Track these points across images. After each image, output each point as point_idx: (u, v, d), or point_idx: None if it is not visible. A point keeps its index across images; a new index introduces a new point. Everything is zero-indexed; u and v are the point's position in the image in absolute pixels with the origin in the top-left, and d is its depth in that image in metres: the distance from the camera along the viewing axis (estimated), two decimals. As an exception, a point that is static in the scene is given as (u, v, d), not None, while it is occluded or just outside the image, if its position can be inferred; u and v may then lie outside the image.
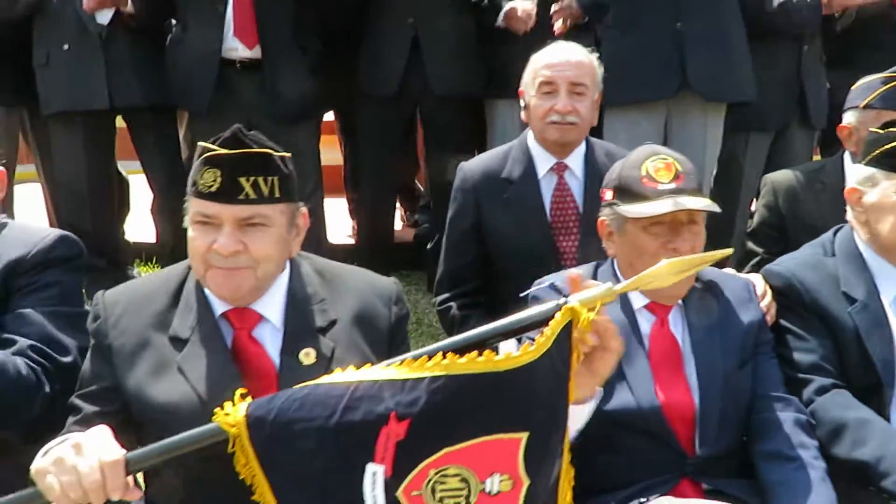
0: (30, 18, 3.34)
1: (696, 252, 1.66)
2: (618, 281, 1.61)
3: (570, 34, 3.09)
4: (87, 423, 1.40)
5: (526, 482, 1.22)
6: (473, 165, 2.38)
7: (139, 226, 3.97)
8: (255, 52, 3.26)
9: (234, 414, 1.21)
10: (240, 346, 1.49)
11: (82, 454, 1.20)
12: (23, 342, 1.56)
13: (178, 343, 1.48)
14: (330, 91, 3.56)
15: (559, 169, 2.30)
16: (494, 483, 1.21)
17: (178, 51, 3.32)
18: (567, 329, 1.24)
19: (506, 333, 1.29)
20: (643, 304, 1.73)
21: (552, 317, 1.25)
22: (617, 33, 3.18)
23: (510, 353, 1.20)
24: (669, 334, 1.72)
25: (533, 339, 1.26)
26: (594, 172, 2.23)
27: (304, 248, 1.61)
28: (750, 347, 1.75)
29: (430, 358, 1.20)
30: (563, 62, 2.26)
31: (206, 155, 1.42)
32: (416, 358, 1.21)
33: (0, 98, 3.44)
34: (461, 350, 1.22)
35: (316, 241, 3.09)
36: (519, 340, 1.38)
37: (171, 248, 3.50)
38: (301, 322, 1.51)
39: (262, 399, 1.23)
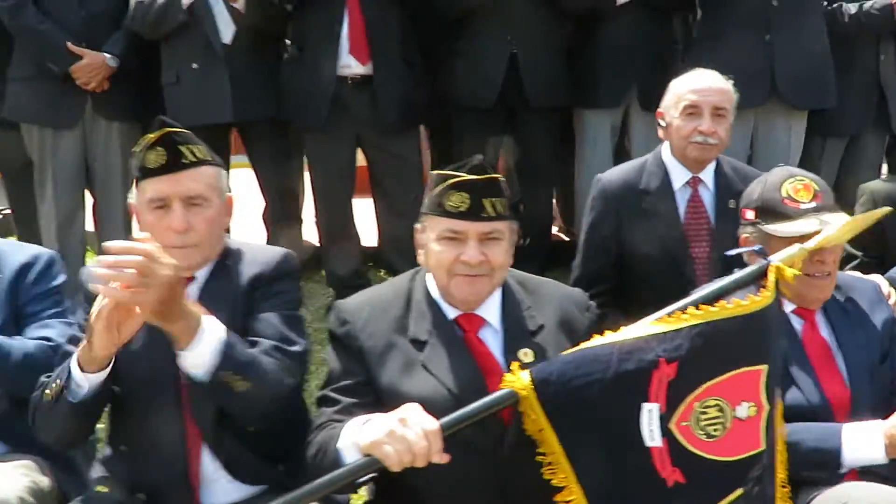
0: (154, 41, 3.60)
1: (836, 262, 1.94)
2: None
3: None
4: (348, 412, 1.64)
5: (766, 407, 1.50)
6: (612, 177, 2.61)
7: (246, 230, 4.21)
8: (367, 69, 3.51)
9: (519, 380, 1.47)
10: (470, 346, 1.73)
11: (408, 426, 1.43)
12: (265, 342, 1.78)
13: (419, 344, 1.72)
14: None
15: (694, 183, 2.54)
16: (743, 409, 1.48)
17: (295, 69, 3.57)
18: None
19: (727, 291, 1.56)
20: (791, 308, 1.96)
21: (762, 275, 1.54)
22: (710, 43, 3.41)
23: (753, 297, 1.49)
24: (819, 335, 1.96)
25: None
26: (724, 186, 2.52)
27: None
28: (887, 342, 1.99)
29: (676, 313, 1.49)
30: (708, 88, 2.51)
31: (453, 180, 1.67)
32: (669, 314, 1.50)
33: (122, 114, 3.68)
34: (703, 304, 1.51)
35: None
36: None
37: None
38: (516, 326, 1.76)
39: (542, 364, 1.52)
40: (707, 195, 2.54)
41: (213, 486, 1.82)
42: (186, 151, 1.79)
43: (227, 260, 1.89)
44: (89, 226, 3.90)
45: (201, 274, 1.85)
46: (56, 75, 3.48)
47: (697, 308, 1.49)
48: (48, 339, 2.01)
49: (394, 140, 3.59)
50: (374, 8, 3.45)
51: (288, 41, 3.65)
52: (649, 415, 1.45)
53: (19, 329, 2.05)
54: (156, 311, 1.52)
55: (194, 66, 3.49)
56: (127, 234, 3.84)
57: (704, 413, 1.47)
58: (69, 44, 3.44)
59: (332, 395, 1.71)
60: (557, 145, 3.87)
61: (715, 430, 1.47)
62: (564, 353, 1.54)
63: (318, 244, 3.98)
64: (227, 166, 3.73)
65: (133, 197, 1.86)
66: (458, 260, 1.68)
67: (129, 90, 3.65)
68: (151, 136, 1.79)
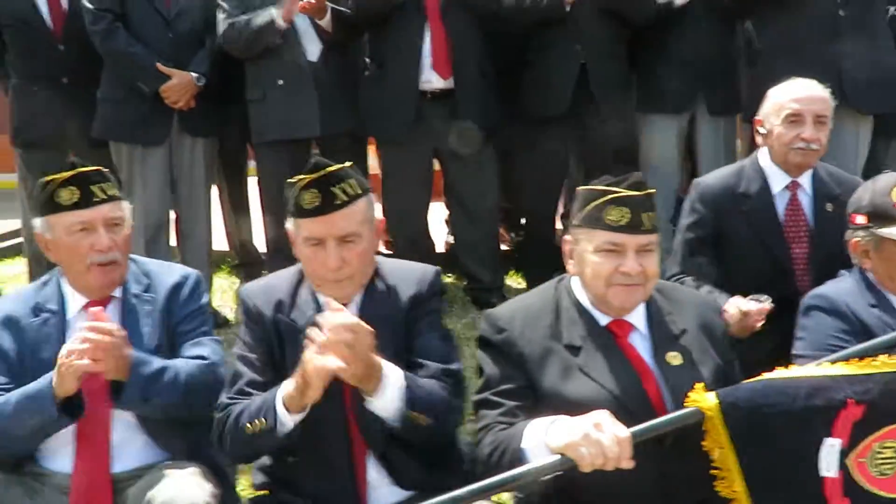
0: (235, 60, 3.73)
1: None
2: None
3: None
4: (513, 415, 1.76)
5: None
6: (711, 181, 2.73)
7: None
8: (447, 83, 3.63)
9: (705, 400, 1.59)
10: (624, 350, 1.85)
11: (602, 430, 1.54)
12: (432, 367, 1.90)
13: (574, 350, 1.83)
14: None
15: (793, 187, 2.66)
16: None
17: (376, 84, 3.70)
18: None
19: None
20: None
21: None
22: (779, 50, 3.52)
23: None
24: None
25: None
26: (821, 189, 2.63)
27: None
28: None
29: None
30: (809, 97, 2.63)
31: (614, 195, 1.79)
32: (859, 357, 1.62)
33: (205, 130, 3.82)
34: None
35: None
36: None
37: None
38: (661, 330, 1.88)
39: (728, 389, 1.64)
40: (805, 199, 2.66)
41: (377, 493, 1.94)
42: (339, 192, 1.89)
43: (378, 281, 2.00)
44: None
45: (355, 297, 1.97)
46: (146, 95, 3.62)
47: (889, 356, 1.62)
48: (203, 358, 2.12)
49: (472, 151, 3.71)
50: (454, 24, 3.58)
51: (367, 58, 3.76)
52: (830, 449, 1.58)
53: (173, 348, 2.16)
54: (357, 376, 1.72)
55: (280, 83, 3.61)
56: (208, 249, 3.99)
57: (881, 453, 1.60)
58: (159, 65, 3.58)
59: (494, 398, 1.81)
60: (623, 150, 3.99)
61: (888, 468, 1.60)
62: (747, 381, 1.66)
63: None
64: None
65: (290, 225, 1.98)
66: (618, 271, 1.79)
67: (211, 107, 3.78)
68: (306, 178, 1.89)
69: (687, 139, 3.96)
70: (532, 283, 4.05)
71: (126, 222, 2.17)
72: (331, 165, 1.90)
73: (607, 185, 1.83)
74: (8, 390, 2.05)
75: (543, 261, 4.07)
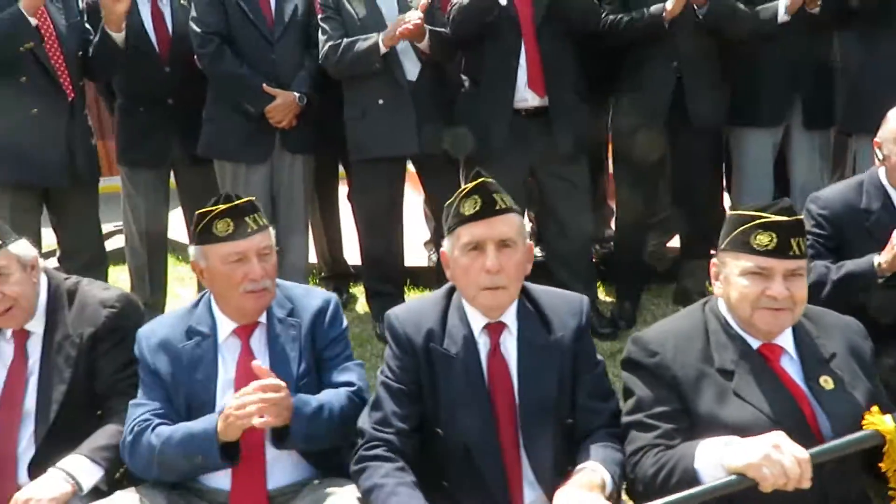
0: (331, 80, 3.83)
1: None
2: None
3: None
4: (669, 437, 1.84)
5: None
6: (831, 195, 2.73)
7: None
8: (542, 101, 3.68)
9: (884, 423, 1.64)
10: (777, 373, 1.89)
11: (782, 452, 1.60)
12: (606, 411, 2.04)
13: (726, 374, 1.88)
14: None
15: (914, 204, 2.67)
16: None
17: (471, 102, 3.75)
18: None
19: None
20: None
21: None
22: (875, 67, 3.50)
23: None
24: None
25: None
26: None
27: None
28: None
29: None
30: None
31: (762, 221, 1.83)
32: None
33: (305, 148, 3.92)
34: None
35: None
36: None
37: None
38: (811, 354, 1.92)
39: None
40: None
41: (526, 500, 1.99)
42: (499, 199, 2.00)
43: (529, 304, 2.07)
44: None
45: (510, 319, 2.04)
46: (251, 115, 3.73)
47: None
48: (351, 384, 2.22)
49: (567, 167, 3.76)
50: (549, 42, 3.62)
51: (463, 76, 3.83)
52: None
53: (318, 371, 2.25)
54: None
55: (381, 101, 3.69)
56: (307, 263, 4.09)
57: None
58: (265, 85, 3.69)
59: (648, 420, 1.87)
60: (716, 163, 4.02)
61: None
62: None
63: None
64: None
65: (446, 246, 2.06)
66: (764, 294, 1.83)
67: (308, 125, 3.88)
68: (468, 186, 2.00)
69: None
70: (622, 296, 4.11)
71: (273, 250, 2.28)
72: (487, 177, 2.00)
73: (756, 211, 1.87)
74: (162, 413, 2.17)
75: (634, 274, 4.14)
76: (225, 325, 2.26)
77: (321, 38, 3.74)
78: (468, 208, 1.98)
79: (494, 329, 2.04)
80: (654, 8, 3.59)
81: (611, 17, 3.70)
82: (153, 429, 2.11)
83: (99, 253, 3.80)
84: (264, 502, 2.12)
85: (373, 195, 3.88)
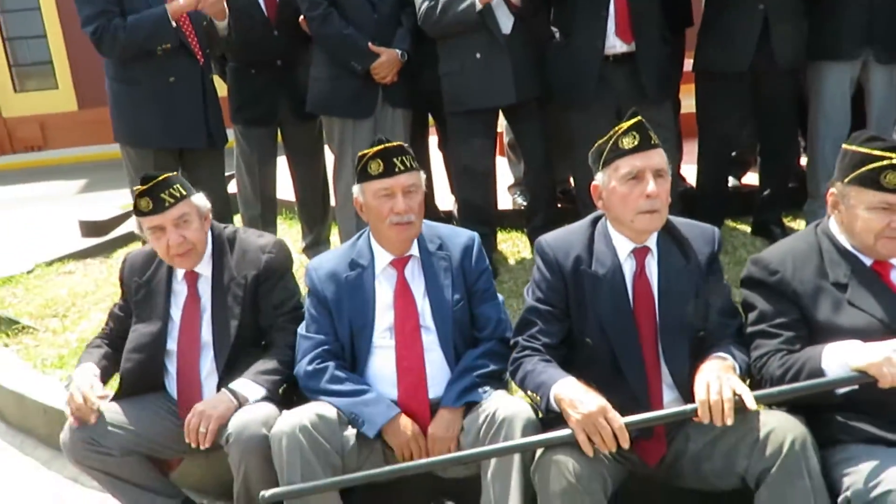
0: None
1: None
2: None
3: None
4: (790, 343, 2.12)
5: None
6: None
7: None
8: (629, 47, 3.89)
9: None
10: (887, 285, 2.14)
11: None
12: (733, 326, 2.33)
13: (841, 287, 2.14)
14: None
15: None
16: None
17: (562, 52, 3.96)
18: None
19: None
20: None
21: None
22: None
23: None
24: None
25: None
26: None
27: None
28: None
29: None
30: None
31: (890, 162, 2.04)
32: None
33: (404, 102, 4.19)
34: None
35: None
36: None
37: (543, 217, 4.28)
38: None
39: None
40: None
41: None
42: (653, 136, 2.25)
43: (668, 231, 2.33)
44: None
45: (652, 245, 2.31)
46: (356, 73, 4.01)
47: None
48: (500, 321, 2.54)
49: (654, 110, 3.94)
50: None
51: (553, 28, 4.05)
52: None
53: (470, 301, 2.56)
54: None
55: (478, 55, 3.93)
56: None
57: None
58: (370, 44, 3.96)
59: (771, 329, 2.16)
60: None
61: None
62: None
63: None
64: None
65: (599, 179, 2.31)
66: (889, 226, 2.07)
67: (407, 80, 4.15)
68: (624, 125, 2.25)
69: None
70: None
71: (420, 189, 2.57)
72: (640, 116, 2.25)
73: (884, 150, 2.07)
74: (329, 349, 2.53)
75: (716, 206, 4.35)
76: (382, 257, 2.58)
77: None
78: (627, 143, 2.22)
79: (640, 253, 2.31)
80: None
81: None
82: (329, 376, 2.47)
83: (226, 207, 4.15)
84: (426, 406, 2.47)
85: (470, 145, 4.12)
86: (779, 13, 3.86)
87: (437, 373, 2.50)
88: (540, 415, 2.25)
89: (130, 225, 6.52)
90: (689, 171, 4.60)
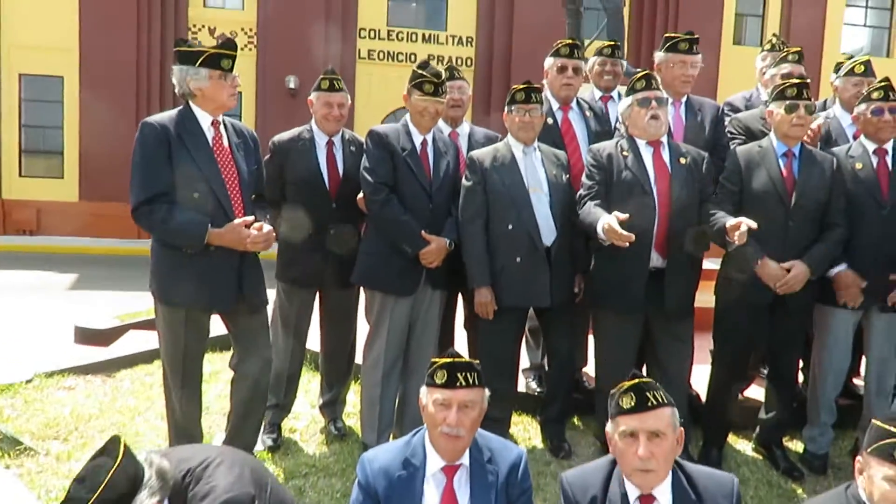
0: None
1: None
2: None
3: None
4: None
5: None
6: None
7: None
8: (663, 262, 4.19)
9: None
10: None
11: None
12: None
13: None
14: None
15: None
16: None
17: (610, 262, 4.17)
18: None
19: None
20: None
21: None
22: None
23: None
24: None
25: None
26: None
27: None
28: None
29: None
30: None
31: None
32: None
33: (443, 284, 4.44)
34: None
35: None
36: None
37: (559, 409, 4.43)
38: None
39: None
40: None
41: None
42: (651, 396, 2.46)
43: (683, 478, 2.50)
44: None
45: (663, 492, 2.48)
46: (407, 255, 4.25)
47: None
48: None
49: (677, 324, 4.25)
50: (679, 210, 4.12)
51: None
52: None
53: None
54: None
55: (518, 259, 4.22)
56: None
57: None
58: (423, 232, 4.24)
59: None
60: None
61: None
62: None
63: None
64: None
65: (609, 427, 2.55)
66: None
67: (449, 264, 4.41)
68: (625, 384, 2.48)
69: None
70: (709, 442, 4.53)
71: (478, 405, 2.74)
72: (643, 377, 2.47)
73: None
74: None
75: (722, 424, 4.57)
76: (434, 461, 2.74)
77: (464, 183, 4.33)
78: (625, 403, 2.45)
79: (646, 501, 2.49)
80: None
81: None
82: None
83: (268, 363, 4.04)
84: None
85: (498, 337, 4.37)
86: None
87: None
88: None
89: (131, 343, 6.57)
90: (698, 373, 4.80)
